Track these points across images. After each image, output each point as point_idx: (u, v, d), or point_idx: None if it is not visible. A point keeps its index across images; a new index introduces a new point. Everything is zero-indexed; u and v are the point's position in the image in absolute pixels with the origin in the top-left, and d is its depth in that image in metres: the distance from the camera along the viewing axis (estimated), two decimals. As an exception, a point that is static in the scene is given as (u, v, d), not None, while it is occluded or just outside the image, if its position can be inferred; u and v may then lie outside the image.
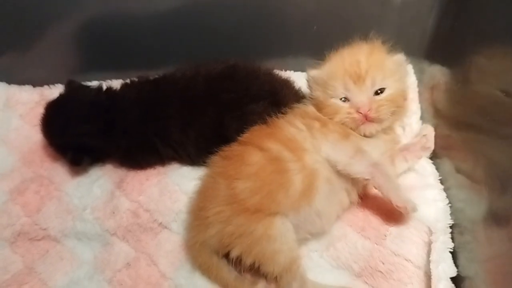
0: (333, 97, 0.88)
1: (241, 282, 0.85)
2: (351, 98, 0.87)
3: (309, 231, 0.86)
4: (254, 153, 0.84)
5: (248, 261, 0.80)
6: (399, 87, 0.88)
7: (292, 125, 0.88)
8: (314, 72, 0.91)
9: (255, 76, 0.96)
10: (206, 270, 0.85)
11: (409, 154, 0.94)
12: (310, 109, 0.92)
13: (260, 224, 0.80)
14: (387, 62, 0.88)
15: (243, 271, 0.85)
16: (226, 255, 0.83)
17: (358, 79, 0.85)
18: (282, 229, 0.81)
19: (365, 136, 0.88)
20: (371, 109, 0.85)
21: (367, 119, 0.85)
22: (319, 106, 0.90)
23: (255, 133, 0.88)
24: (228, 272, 0.84)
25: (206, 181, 0.88)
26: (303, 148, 0.85)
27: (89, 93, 0.99)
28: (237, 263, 0.83)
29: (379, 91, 0.86)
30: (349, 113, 0.86)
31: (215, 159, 0.88)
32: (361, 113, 0.85)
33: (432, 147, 0.95)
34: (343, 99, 0.87)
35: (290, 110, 0.92)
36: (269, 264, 0.80)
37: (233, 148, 0.87)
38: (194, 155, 0.95)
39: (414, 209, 0.82)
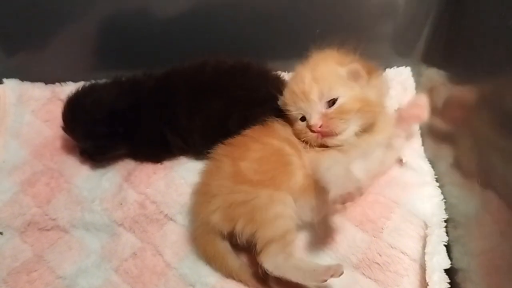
0: (295, 120, 0.88)
1: (245, 271, 0.87)
2: (306, 116, 0.86)
3: (300, 218, 0.87)
4: (257, 143, 0.88)
5: (247, 229, 0.80)
6: (354, 93, 0.84)
7: (287, 132, 0.91)
8: (279, 102, 0.91)
9: (265, 78, 0.99)
10: (210, 258, 0.87)
11: (402, 124, 0.94)
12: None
13: (264, 191, 0.82)
14: (334, 72, 0.85)
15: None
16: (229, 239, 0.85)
17: (304, 95, 0.84)
18: (285, 198, 0.83)
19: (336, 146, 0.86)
20: (322, 125, 0.83)
21: (322, 134, 0.84)
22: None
23: (256, 130, 0.91)
24: (232, 260, 0.86)
25: (210, 163, 0.91)
26: (300, 149, 0.88)
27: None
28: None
29: (332, 102, 0.84)
30: (305, 132, 0.85)
31: (219, 146, 0.90)
32: (313, 130, 0.83)
33: (425, 116, 0.93)
34: (302, 118, 0.87)
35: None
36: (267, 227, 0.80)
37: (237, 138, 0.90)
38: (200, 144, 0.98)
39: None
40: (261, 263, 0.80)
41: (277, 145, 0.88)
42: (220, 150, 0.90)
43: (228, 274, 0.87)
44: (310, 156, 0.86)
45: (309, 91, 0.84)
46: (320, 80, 0.84)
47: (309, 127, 0.85)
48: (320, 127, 0.83)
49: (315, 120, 0.83)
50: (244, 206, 0.82)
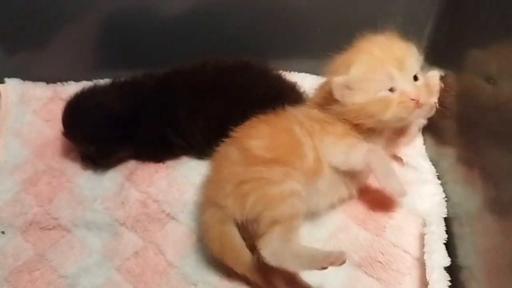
0: (380, 91, 0.82)
1: (257, 269, 0.82)
2: (400, 86, 0.81)
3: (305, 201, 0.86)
4: (263, 123, 0.87)
5: (257, 207, 0.77)
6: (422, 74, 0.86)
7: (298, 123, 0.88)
8: (342, 78, 0.82)
9: (265, 76, 1.00)
10: (225, 251, 0.81)
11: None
12: (314, 112, 0.90)
13: (279, 168, 0.80)
14: (412, 49, 0.85)
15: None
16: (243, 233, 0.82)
17: (401, 65, 0.81)
18: (300, 177, 0.81)
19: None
20: (420, 94, 0.81)
21: (417, 105, 0.81)
22: (356, 111, 0.83)
23: (261, 117, 0.90)
24: (248, 256, 0.81)
25: (216, 156, 0.89)
26: (311, 132, 0.87)
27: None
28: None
29: (416, 78, 0.84)
30: (401, 102, 0.81)
31: (221, 143, 0.89)
32: (413, 99, 0.80)
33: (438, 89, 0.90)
34: (389, 87, 0.82)
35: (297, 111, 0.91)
36: (278, 204, 0.76)
37: (239, 126, 0.89)
38: (202, 144, 0.98)
39: (402, 195, 0.83)
40: (259, 248, 0.76)
41: (286, 124, 0.86)
42: (223, 144, 0.89)
43: (243, 269, 0.82)
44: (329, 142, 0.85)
45: (405, 60, 0.81)
46: (409, 53, 0.83)
47: (408, 96, 0.81)
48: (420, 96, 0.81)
49: (415, 89, 0.81)
50: (256, 181, 0.79)
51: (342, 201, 0.92)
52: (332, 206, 0.92)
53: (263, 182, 0.79)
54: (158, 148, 1.02)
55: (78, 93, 1.01)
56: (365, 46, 0.85)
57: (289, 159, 0.82)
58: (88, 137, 0.99)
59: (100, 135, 0.98)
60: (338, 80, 0.82)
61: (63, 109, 1.00)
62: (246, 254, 0.82)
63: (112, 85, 1.03)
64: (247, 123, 0.90)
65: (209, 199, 0.85)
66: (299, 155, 0.84)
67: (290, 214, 0.77)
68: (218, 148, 0.89)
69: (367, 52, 0.84)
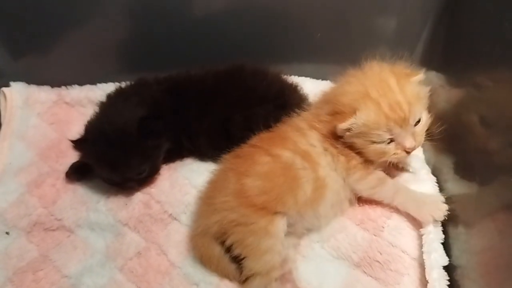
0: (377, 143, 0.85)
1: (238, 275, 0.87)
2: (398, 139, 0.84)
3: (305, 227, 0.91)
4: (264, 155, 0.88)
5: (237, 250, 0.84)
6: (425, 108, 0.87)
7: (307, 140, 0.89)
8: (346, 125, 0.83)
9: (263, 77, 1.02)
10: (206, 260, 0.89)
11: None
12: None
13: (263, 219, 0.84)
14: (417, 90, 0.86)
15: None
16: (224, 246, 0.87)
17: (403, 122, 0.82)
18: (280, 230, 0.85)
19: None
20: (416, 143, 0.85)
21: (410, 152, 0.86)
22: (353, 147, 0.87)
23: (264, 139, 0.91)
24: (227, 263, 0.87)
25: (217, 174, 0.93)
26: (317, 162, 0.88)
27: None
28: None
29: (418, 121, 0.86)
30: (396, 153, 0.85)
31: (226, 156, 0.92)
32: (408, 151, 0.85)
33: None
34: (388, 141, 0.85)
35: (303, 121, 0.91)
36: (255, 259, 0.83)
37: (244, 149, 0.91)
38: (205, 146, 1.00)
39: (433, 221, 0.86)
40: None
41: (287, 158, 0.87)
42: (228, 161, 0.92)
43: (224, 275, 0.88)
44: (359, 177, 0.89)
45: (408, 117, 0.83)
46: (414, 104, 0.83)
47: (405, 149, 0.85)
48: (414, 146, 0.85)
49: (411, 142, 0.84)
50: (240, 227, 0.84)
51: (343, 212, 0.94)
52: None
53: (246, 230, 0.84)
54: (174, 152, 1.03)
55: (99, 116, 0.99)
56: (374, 90, 0.83)
57: (280, 200, 0.85)
58: (140, 159, 0.96)
59: (149, 153, 0.97)
60: (341, 126, 0.84)
61: (90, 145, 0.97)
62: (226, 263, 0.88)
63: (125, 92, 1.03)
64: (249, 150, 0.91)
65: (198, 214, 0.92)
66: (294, 191, 0.86)
67: (267, 268, 0.83)
68: (220, 167, 0.93)
69: (375, 101, 0.82)
